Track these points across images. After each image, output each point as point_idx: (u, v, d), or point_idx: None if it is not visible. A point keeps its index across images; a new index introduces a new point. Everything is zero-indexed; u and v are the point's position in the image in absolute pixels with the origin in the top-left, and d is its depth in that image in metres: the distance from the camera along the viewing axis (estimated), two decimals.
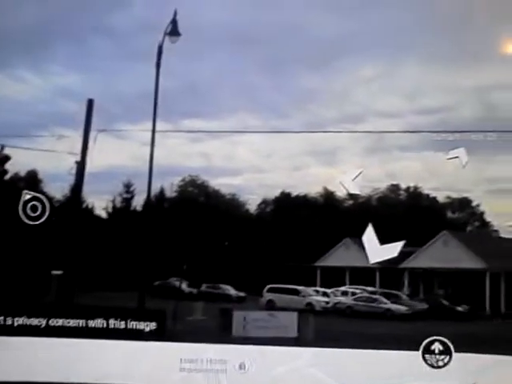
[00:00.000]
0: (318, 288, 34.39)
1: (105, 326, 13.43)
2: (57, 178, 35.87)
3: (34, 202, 11.26)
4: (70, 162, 23.90)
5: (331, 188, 41.64)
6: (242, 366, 10.55)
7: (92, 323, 12.90)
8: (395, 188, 44.26)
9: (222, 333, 19.79)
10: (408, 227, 36.31)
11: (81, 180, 24.21)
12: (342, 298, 32.54)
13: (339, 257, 36.07)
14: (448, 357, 10.21)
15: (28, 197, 11.21)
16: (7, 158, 20.67)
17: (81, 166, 23.61)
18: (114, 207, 38.93)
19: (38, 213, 11.30)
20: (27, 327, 12.49)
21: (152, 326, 14.27)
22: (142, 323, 20.05)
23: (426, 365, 10.22)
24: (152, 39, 24.28)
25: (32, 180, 39.93)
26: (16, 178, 37.91)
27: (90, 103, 23.72)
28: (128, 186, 39.04)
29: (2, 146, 21.03)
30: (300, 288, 32.03)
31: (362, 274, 35.42)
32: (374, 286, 35.50)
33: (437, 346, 10.14)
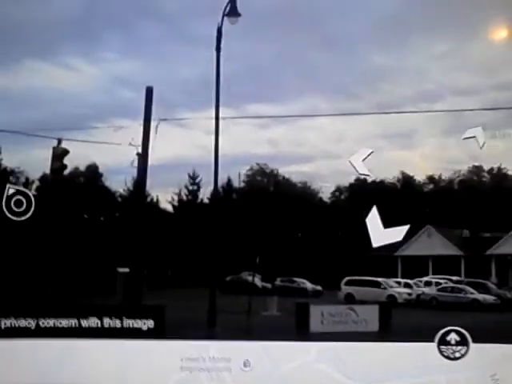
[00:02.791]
0: (399, 279, 34.22)
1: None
2: (118, 172, 36.24)
3: (18, 197, 11.10)
4: (132, 154, 23.98)
5: (409, 172, 40.94)
6: (246, 364, 10.44)
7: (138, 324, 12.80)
8: (478, 170, 43.12)
9: (299, 329, 19.81)
10: (493, 211, 35.53)
11: (144, 172, 24.28)
12: (426, 289, 32.20)
13: (421, 245, 35.52)
14: None
15: (12, 191, 11.06)
16: (66, 152, 20.84)
17: (143, 157, 23.66)
18: (179, 200, 39.21)
19: (22, 208, 11.16)
20: (93, 329, 12.48)
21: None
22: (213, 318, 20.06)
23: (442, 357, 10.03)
24: (210, 21, 24.31)
25: (93, 174, 40.46)
26: (76, 172, 38.49)
27: (149, 91, 23.78)
28: (193, 178, 39.21)
29: (59, 139, 21.21)
30: (380, 279, 31.97)
31: (446, 263, 34.91)
32: (459, 276, 34.85)
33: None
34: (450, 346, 10.18)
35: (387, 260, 35.29)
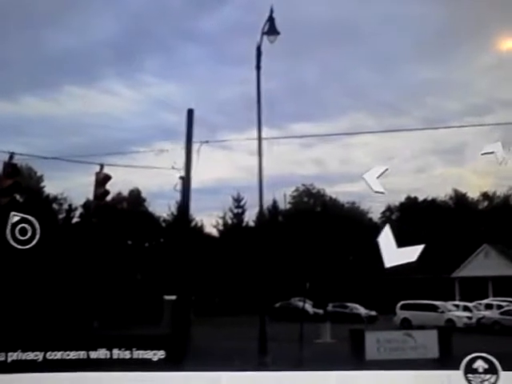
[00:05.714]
0: (457, 302, 33.15)
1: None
2: (161, 196, 35.86)
3: (23, 225, 10.87)
4: (174, 178, 23.61)
5: (462, 189, 39.76)
6: None
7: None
8: None
9: (354, 357, 19.22)
10: None
11: (187, 196, 23.90)
12: (487, 313, 31.10)
13: (479, 265, 34.43)
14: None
15: (16, 219, 10.81)
16: (108, 178, 20.35)
17: (186, 181, 23.27)
18: (224, 224, 38.75)
19: (27, 236, 10.92)
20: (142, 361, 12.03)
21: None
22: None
23: None
24: (249, 40, 23.78)
25: (135, 199, 40.30)
26: (119, 198, 38.30)
27: (190, 113, 23.38)
28: (238, 200, 38.82)
29: (101, 164, 20.77)
30: (438, 303, 30.94)
31: (507, 284, 33.67)
32: None
33: None
34: (477, 375, 9.60)
35: (444, 282, 34.34)
